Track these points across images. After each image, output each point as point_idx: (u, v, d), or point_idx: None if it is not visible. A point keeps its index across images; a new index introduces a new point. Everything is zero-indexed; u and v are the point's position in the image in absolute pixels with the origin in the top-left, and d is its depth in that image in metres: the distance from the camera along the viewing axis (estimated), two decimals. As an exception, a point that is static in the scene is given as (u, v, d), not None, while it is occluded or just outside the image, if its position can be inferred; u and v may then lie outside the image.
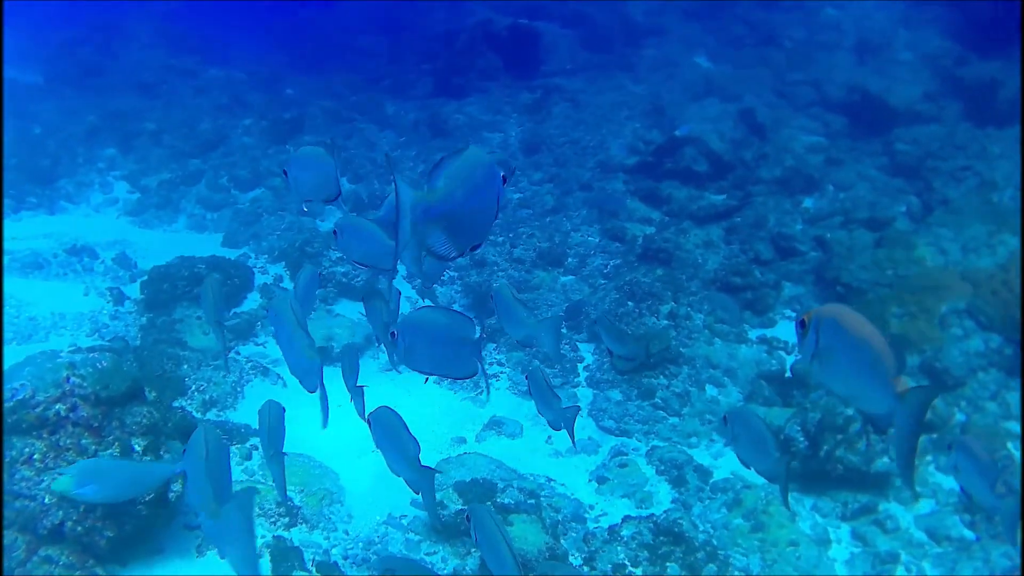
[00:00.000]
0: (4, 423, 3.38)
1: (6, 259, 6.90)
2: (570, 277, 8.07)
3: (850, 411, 5.06)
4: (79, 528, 3.35)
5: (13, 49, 12.39)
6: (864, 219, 8.00)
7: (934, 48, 11.12)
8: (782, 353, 6.56)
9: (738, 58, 12.71)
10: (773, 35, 12.79)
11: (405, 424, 3.28)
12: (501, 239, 8.50)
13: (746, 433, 3.26)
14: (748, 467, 3.40)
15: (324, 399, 3.37)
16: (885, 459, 4.93)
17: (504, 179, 2.30)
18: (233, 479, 4.60)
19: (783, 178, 9.13)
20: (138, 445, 3.54)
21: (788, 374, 6.15)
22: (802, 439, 5.16)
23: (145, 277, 6.60)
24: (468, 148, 2.25)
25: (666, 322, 6.68)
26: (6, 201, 8.26)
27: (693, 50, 13.15)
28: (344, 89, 13.41)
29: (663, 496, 5.16)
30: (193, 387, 5.25)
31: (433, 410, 6.03)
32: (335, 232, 3.55)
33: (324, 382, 3.20)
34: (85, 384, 3.47)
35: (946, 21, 11.62)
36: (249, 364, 5.86)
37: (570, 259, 8.30)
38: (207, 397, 5.24)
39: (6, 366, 3.62)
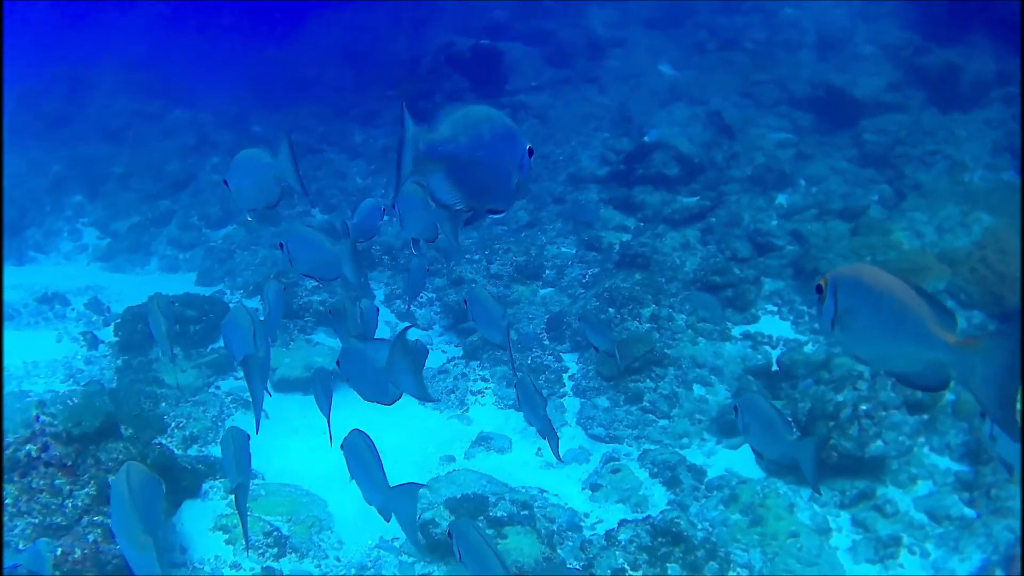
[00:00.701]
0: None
1: (-28, 312, 6.78)
2: (549, 289, 8.02)
3: (840, 397, 5.02)
4: None
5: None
6: (838, 210, 8.02)
7: (894, 40, 11.21)
8: (767, 348, 6.52)
9: (702, 63, 12.78)
10: (735, 38, 12.89)
11: (374, 448, 3.08)
12: (477, 256, 8.46)
13: (758, 421, 3.13)
14: (762, 457, 3.27)
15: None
16: (879, 443, 4.88)
17: (530, 151, 2.15)
18: (220, 512, 4.50)
19: (755, 176, 9.14)
20: (115, 482, 3.43)
21: (775, 367, 6.10)
22: (794, 430, 5.11)
23: (119, 320, 6.48)
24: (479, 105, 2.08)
25: (648, 325, 6.63)
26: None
27: (657, 58, 13.21)
28: (312, 121, 13.39)
29: (658, 498, 5.09)
30: (173, 424, 5.14)
31: (419, 430, 5.94)
32: (280, 245, 3.42)
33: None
34: (56, 422, 3.36)
35: (903, 13, 11.74)
36: (230, 398, 5.75)
37: (548, 271, 8.26)
38: (187, 433, 5.13)
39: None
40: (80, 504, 3.28)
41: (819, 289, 2.17)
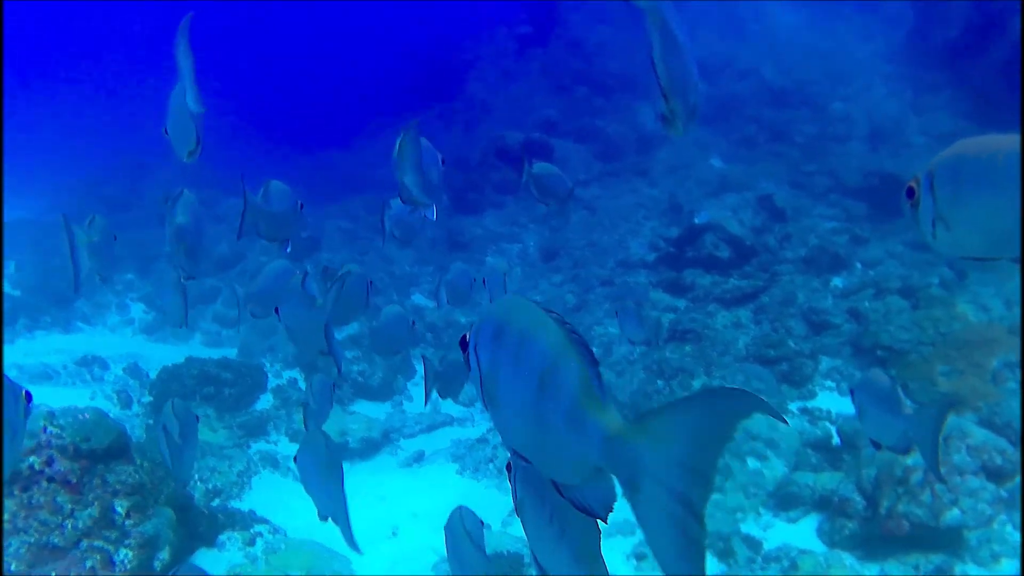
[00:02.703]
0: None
1: (14, 372, 6.74)
2: (595, 367, 7.75)
3: (910, 460, 4.61)
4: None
5: (34, 187, 12.75)
6: (897, 288, 7.68)
7: (947, 129, 11.05)
8: (826, 423, 6.12)
9: (751, 156, 12.72)
10: (784, 131, 12.84)
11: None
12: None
13: (875, 400, 2.73)
14: (880, 447, 2.83)
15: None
16: (955, 511, 4.43)
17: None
18: (235, 562, 4.22)
19: (809, 257, 8.88)
20: (120, 507, 3.20)
21: (836, 440, 5.70)
22: (859, 499, 4.70)
23: (153, 380, 6.37)
24: None
25: (699, 397, 6.30)
26: (22, 321, 8.19)
27: (706, 152, 13.19)
28: (361, 210, 13.55)
29: (710, 569, 4.66)
30: (196, 476, 4.92)
31: (455, 498, 5.62)
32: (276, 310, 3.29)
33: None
34: (64, 435, 3.18)
35: (957, 103, 11.61)
36: (258, 456, 5.53)
37: (594, 349, 7.98)
38: (210, 486, 4.89)
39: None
40: (80, 526, 3.05)
41: (910, 192, 1.85)
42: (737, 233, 9.16)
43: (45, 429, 3.17)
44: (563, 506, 1.40)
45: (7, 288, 9.31)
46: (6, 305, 8.17)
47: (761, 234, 9.35)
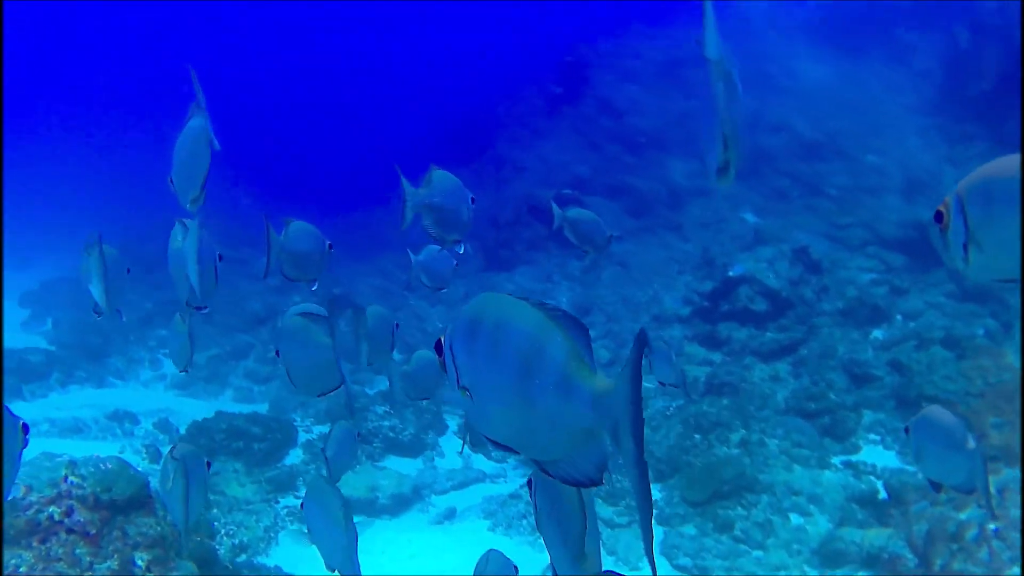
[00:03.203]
0: None
1: (46, 426, 6.74)
2: (631, 422, 7.58)
3: (964, 516, 4.39)
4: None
5: (72, 246, 12.87)
6: (940, 339, 7.47)
7: (985, 179, 10.88)
8: (871, 477, 5.90)
9: (784, 209, 12.59)
10: (817, 185, 12.71)
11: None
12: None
13: (935, 439, 2.52)
14: (940, 489, 2.65)
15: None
16: (1016, 571, 4.19)
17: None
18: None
19: (847, 309, 8.69)
20: (141, 560, 3.11)
21: (883, 495, 5.47)
22: (910, 556, 4.47)
23: (182, 434, 6.33)
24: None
25: (738, 450, 6.11)
26: (55, 375, 8.23)
27: (738, 206, 13.09)
28: (394, 268, 13.59)
29: (755, 631, 4.44)
30: (222, 531, 4.82)
31: (487, 555, 5.45)
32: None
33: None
34: (84, 484, 3.11)
35: (991, 155, 11.37)
36: (286, 511, 5.42)
37: (629, 404, 7.84)
38: (236, 541, 4.79)
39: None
40: (100, 579, 2.96)
41: (939, 216, 1.77)
42: (773, 285, 9.02)
43: (66, 479, 3.10)
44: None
45: (43, 344, 9.40)
46: (40, 360, 8.23)
47: (797, 286, 9.19)
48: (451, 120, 21.36)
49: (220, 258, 3.06)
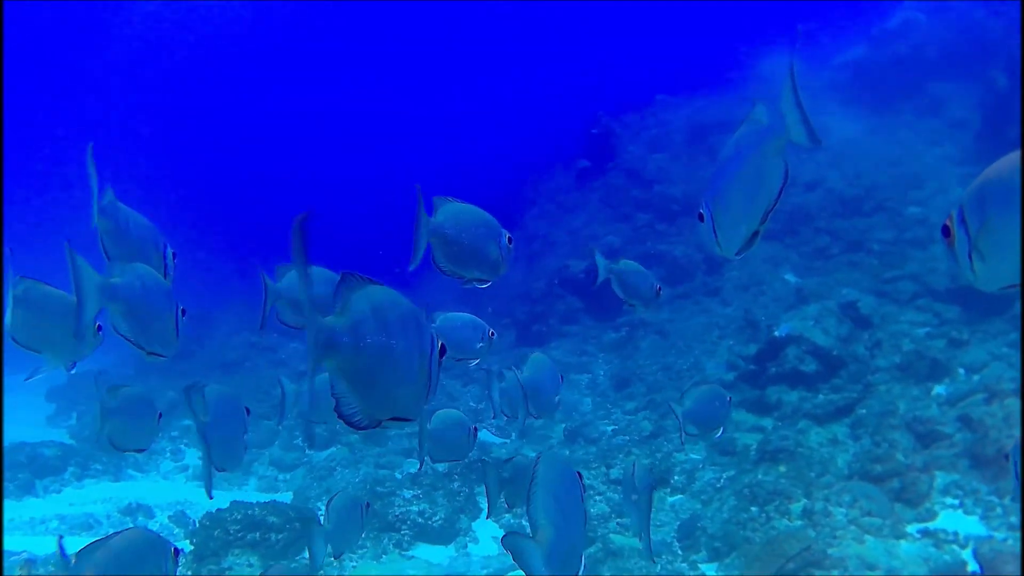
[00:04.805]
0: None
1: (55, 523, 6.37)
2: (679, 496, 7.06)
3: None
4: None
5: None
6: (1012, 391, 6.88)
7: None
8: (954, 547, 5.30)
9: (826, 267, 12.11)
10: (859, 240, 12.23)
11: None
12: (595, 464, 7.63)
13: None
14: None
15: None
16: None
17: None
18: None
19: (904, 364, 8.14)
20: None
21: (974, 567, 4.87)
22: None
23: (195, 527, 5.92)
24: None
25: (801, 522, 5.55)
26: (71, 470, 7.89)
27: (778, 267, 12.63)
28: (425, 348, 13.26)
29: None
30: (234, 633, 4.36)
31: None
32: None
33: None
34: None
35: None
36: (305, 606, 4.94)
37: (676, 477, 7.31)
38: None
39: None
40: None
41: (945, 230, 1.77)
42: (823, 344, 8.51)
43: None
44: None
45: (66, 438, 9.14)
46: (55, 454, 7.92)
47: (848, 343, 8.66)
48: (478, 198, 21.32)
49: (183, 312, 2.86)
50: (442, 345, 1.88)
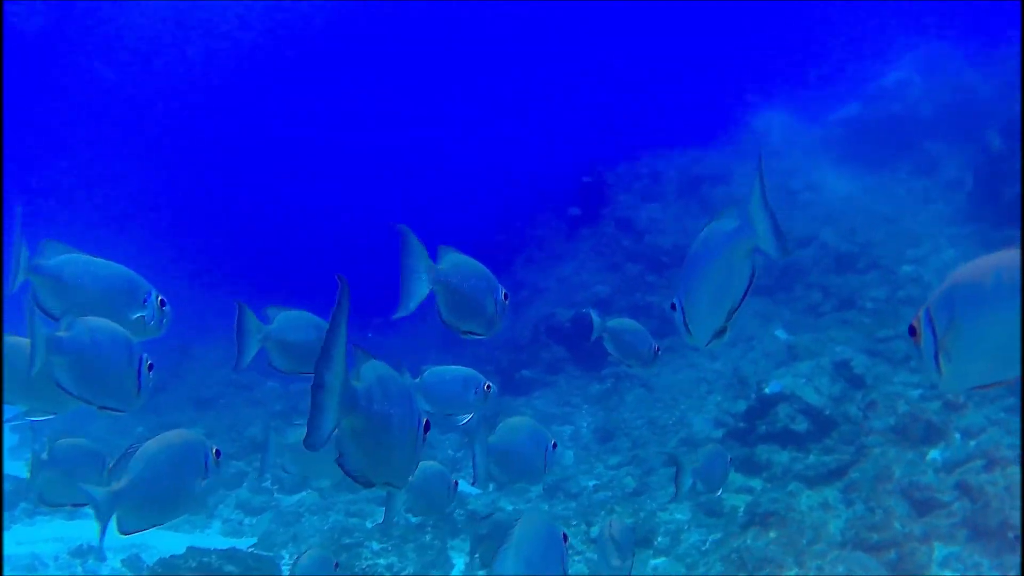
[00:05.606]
0: None
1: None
2: (662, 559, 6.71)
3: None
4: None
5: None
6: (1012, 458, 6.60)
7: (1031, 285, 10.17)
8: (957, 623, 4.97)
9: (818, 324, 11.88)
10: (852, 298, 12.03)
11: None
12: (575, 521, 7.28)
13: None
14: None
15: None
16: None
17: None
18: None
19: (899, 427, 7.84)
20: None
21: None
22: None
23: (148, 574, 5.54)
24: None
25: (792, 593, 5.21)
26: (22, 505, 7.47)
27: (768, 323, 12.39)
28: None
29: None
30: None
31: None
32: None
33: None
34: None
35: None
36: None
37: (659, 538, 6.98)
38: None
39: None
40: None
41: (911, 330, 1.81)
42: (815, 403, 8.24)
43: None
44: None
45: (23, 472, 8.70)
46: (10, 488, 7.50)
47: (841, 403, 8.39)
48: (466, 245, 21.14)
49: (151, 367, 2.80)
50: (427, 421, 2.06)
